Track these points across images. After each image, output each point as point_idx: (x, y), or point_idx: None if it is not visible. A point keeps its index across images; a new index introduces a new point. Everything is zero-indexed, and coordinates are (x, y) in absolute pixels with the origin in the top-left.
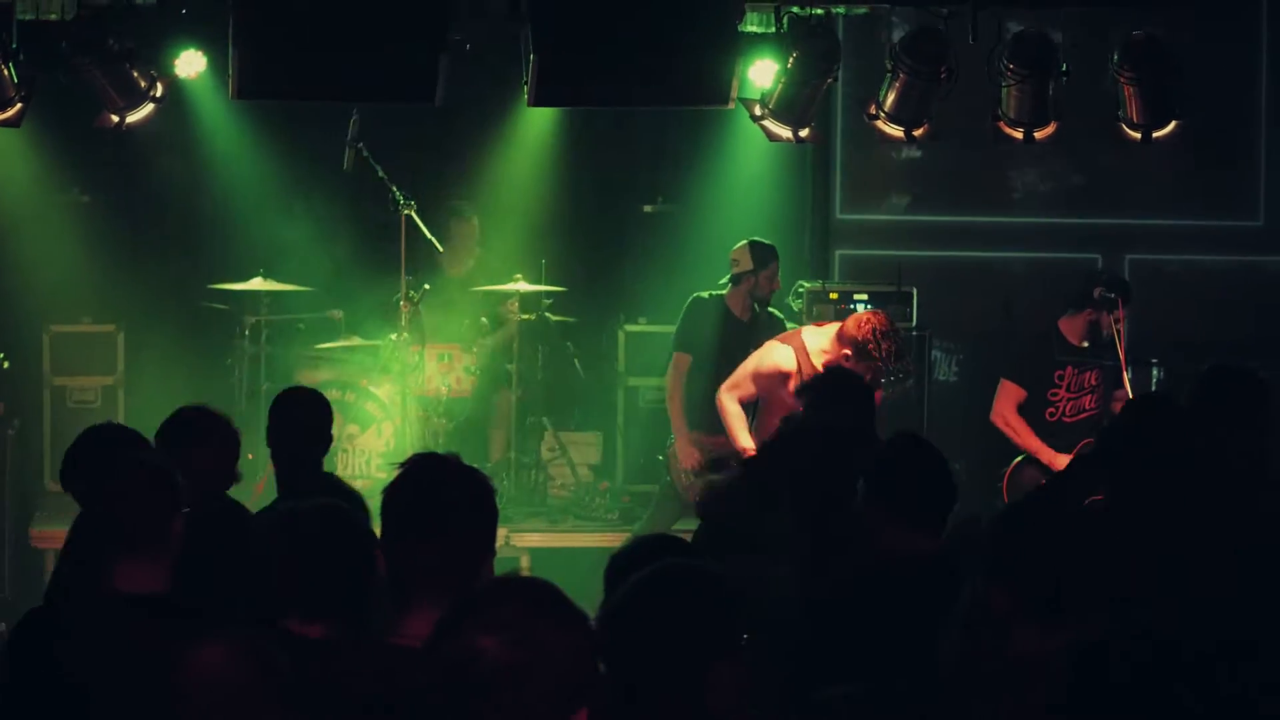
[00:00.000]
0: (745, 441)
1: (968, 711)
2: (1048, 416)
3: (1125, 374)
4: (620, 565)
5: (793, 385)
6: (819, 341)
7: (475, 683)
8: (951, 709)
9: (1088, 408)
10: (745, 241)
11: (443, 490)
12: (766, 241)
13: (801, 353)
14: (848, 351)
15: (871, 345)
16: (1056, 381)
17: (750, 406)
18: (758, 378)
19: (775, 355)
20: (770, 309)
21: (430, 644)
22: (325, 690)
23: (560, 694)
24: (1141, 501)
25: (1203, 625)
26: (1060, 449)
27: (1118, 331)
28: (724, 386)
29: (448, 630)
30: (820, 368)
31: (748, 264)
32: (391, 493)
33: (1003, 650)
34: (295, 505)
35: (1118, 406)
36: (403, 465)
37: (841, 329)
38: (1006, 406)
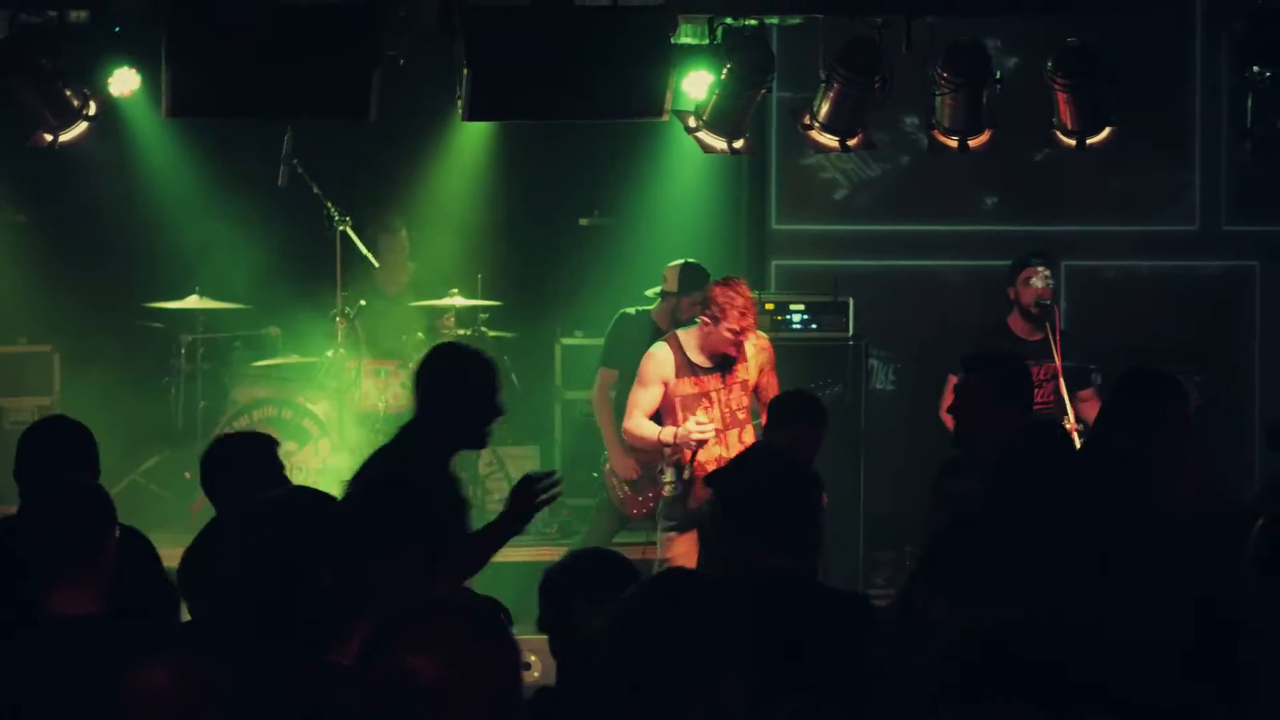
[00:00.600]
0: (663, 435)
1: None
2: None
3: (1061, 378)
4: (558, 580)
5: (676, 376)
6: (689, 331)
7: (407, 703)
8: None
9: (1040, 402)
10: (680, 262)
11: (387, 508)
12: (703, 268)
13: (673, 341)
14: (699, 307)
15: (717, 291)
16: None
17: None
18: (644, 389)
19: (651, 362)
20: None
21: (361, 664)
22: (269, 708)
23: (490, 713)
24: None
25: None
26: None
27: (1054, 337)
28: (624, 424)
29: (377, 650)
30: (695, 350)
31: (673, 285)
32: (338, 512)
33: None
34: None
35: (1085, 407)
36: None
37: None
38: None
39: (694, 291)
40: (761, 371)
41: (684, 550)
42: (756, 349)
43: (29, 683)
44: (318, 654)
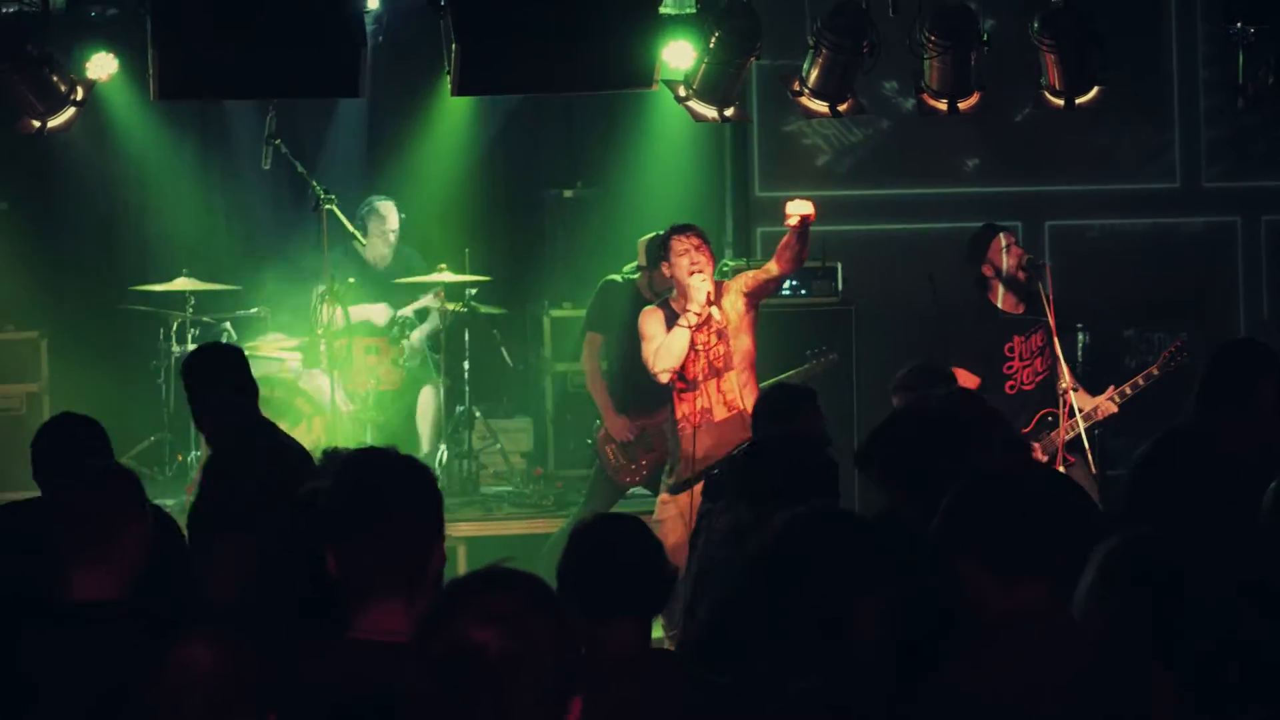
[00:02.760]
0: (685, 320)
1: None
2: (1009, 390)
3: (1056, 339)
4: (584, 545)
5: (666, 329)
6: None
7: (473, 676)
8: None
9: (1040, 370)
10: (649, 236)
11: (384, 484)
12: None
13: (659, 304)
14: (664, 263)
15: (667, 236)
16: (1008, 355)
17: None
18: (651, 336)
19: (647, 317)
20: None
21: (419, 638)
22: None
23: (555, 683)
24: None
25: None
26: (1026, 418)
27: (1046, 297)
28: (652, 362)
29: (437, 624)
30: (678, 305)
31: (643, 259)
32: (334, 492)
33: (979, 615)
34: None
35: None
36: (335, 460)
37: None
38: None
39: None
40: (744, 295)
41: (675, 513)
42: (726, 294)
43: (49, 667)
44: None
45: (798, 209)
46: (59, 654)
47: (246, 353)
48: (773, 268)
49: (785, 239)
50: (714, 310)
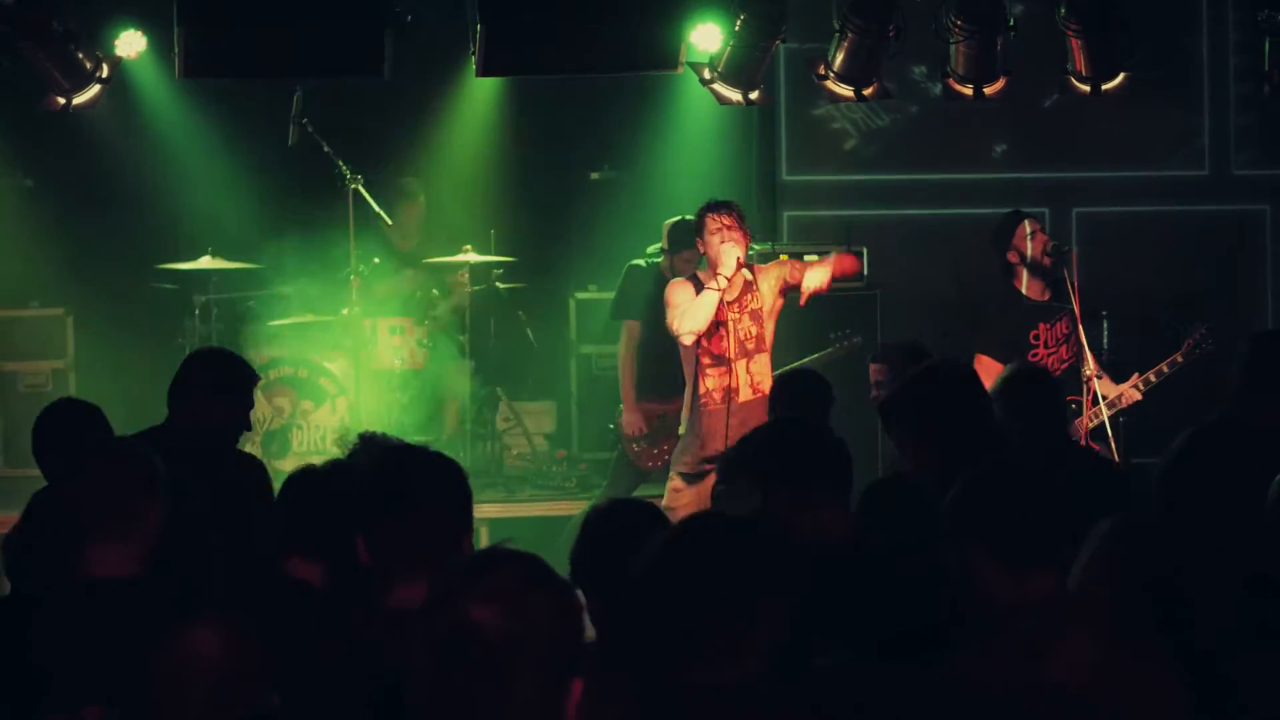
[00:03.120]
0: (714, 284)
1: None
2: None
3: (1080, 326)
4: (599, 530)
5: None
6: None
7: (473, 655)
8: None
9: (1066, 357)
10: (672, 220)
11: (417, 477)
12: (686, 220)
13: (691, 278)
14: (692, 265)
15: (702, 213)
16: (1033, 342)
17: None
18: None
19: (675, 287)
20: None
21: (423, 615)
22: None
23: (555, 663)
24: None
25: None
26: None
27: (1071, 283)
28: (678, 328)
29: (440, 603)
30: (708, 279)
31: (666, 242)
32: (369, 481)
33: (990, 605)
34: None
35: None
36: (372, 443)
37: None
38: (986, 381)
39: (684, 249)
40: (782, 281)
41: (688, 501)
42: (765, 274)
43: (67, 645)
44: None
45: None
46: (77, 631)
47: (269, 332)
48: (816, 284)
49: (840, 267)
50: (746, 272)
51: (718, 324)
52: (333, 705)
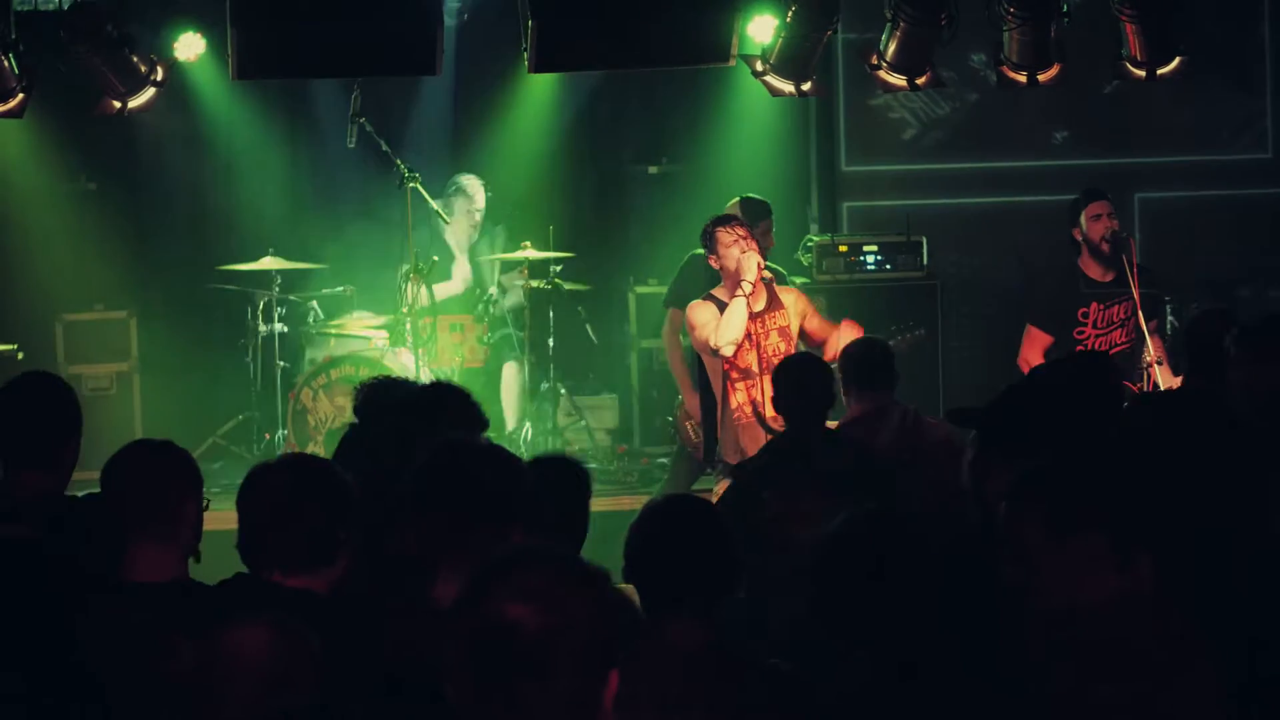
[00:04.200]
0: (741, 291)
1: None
2: None
3: (1141, 312)
4: (652, 527)
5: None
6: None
7: (512, 652)
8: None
9: (1119, 342)
10: (738, 198)
11: (470, 468)
12: (759, 198)
13: (706, 297)
14: (765, 238)
15: (712, 228)
16: (1081, 320)
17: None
18: (700, 323)
19: (696, 308)
20: (770, 264)
21: (457, 615)
22: (359, 651)
23: (591, 658)
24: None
25: None
26: None
27: (1130, 269)
28: (712, 342)
29: (474, 600)
30: (726, 295)
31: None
32: (421, 470)
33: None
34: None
35: (1156, 341)
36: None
37: None
38: (1031, 351)
39: (762, 221)
40: (804, 317)
41: None
42: (794, 298)
43: (109, 650)
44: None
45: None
46: (122, 635)
47: (333, 331)
48: (829, 348)
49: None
50: (767, 272)
51: (747, 337)
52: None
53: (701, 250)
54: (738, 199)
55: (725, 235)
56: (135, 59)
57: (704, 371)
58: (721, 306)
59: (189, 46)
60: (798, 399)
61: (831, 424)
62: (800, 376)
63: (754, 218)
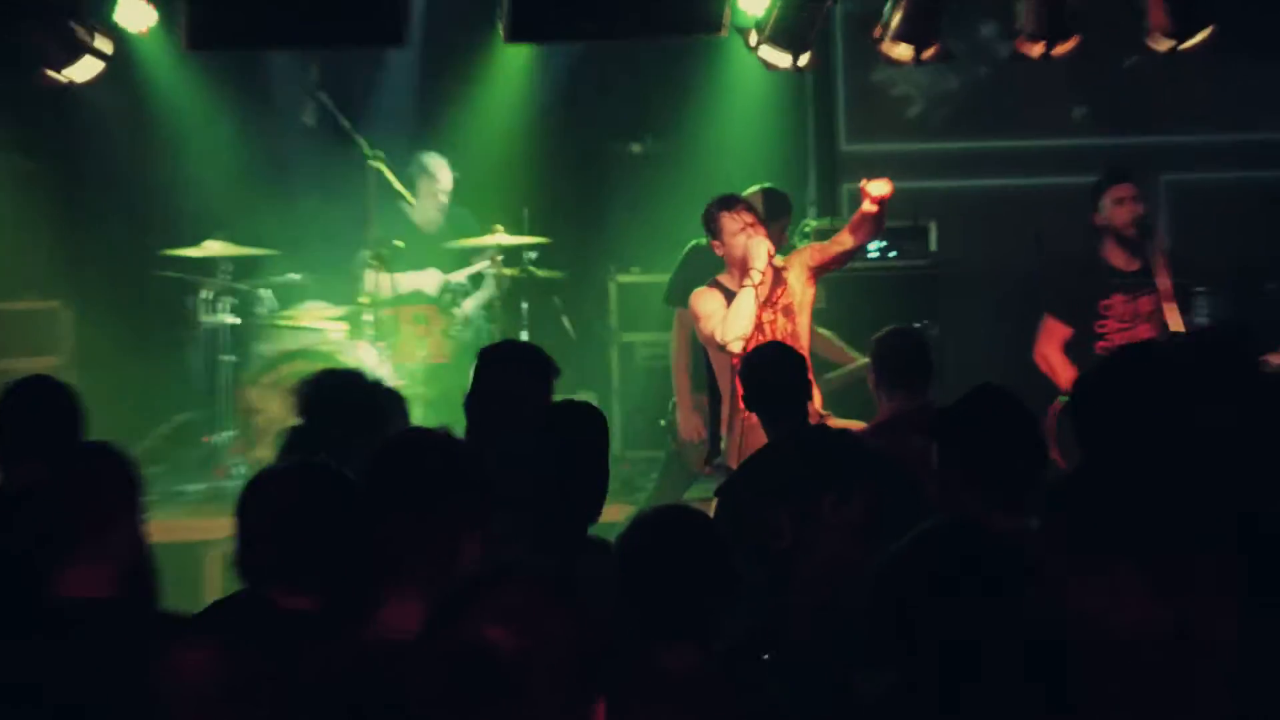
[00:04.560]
0: (749, 280)
1: None
2: (1099, 350)
3: (1165, 304)
4: (642, 542)
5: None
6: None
7: (487, 676)
8: None
9: (1145, 336)
10: (758, 188)
11: (424, 467)
12: (782, 191)
13: (711, 283)
14: (784, 235)
15: (714, 211)
16: (1103, 312)
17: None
18: (707, 313)
19: (702, 297)
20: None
21: (430, 636)
22: (308, 689)
23: (575, 682)
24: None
25: None
26: None
27: (1157, 260)
28: (718, 336)
29: (448, 622)
30: (732, 281)
31: (760, 214)
32: (372, 472)
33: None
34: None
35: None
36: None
37: None
38: (1048, 344)
39: (783, 217)
40: (818, 266)
41: None
42: (800, 259)
43: (39, 671)
44: (356, 627)
45: (877, 190)
46: (51, 657)
47: (286, 323)
48: (847, 240)
49: (863, 212)
50: (779, 258)
51: (755, 327)
52: None
53: (703, 241)
54: (758, 188)
55: (730, 221)
56: (77, 28)
57: (710, 366)
58: (728, 295)
59: (138, 18)
60: (763, 400)
61: (857, 425)
62: (765, 375)
63: (773, 213)
